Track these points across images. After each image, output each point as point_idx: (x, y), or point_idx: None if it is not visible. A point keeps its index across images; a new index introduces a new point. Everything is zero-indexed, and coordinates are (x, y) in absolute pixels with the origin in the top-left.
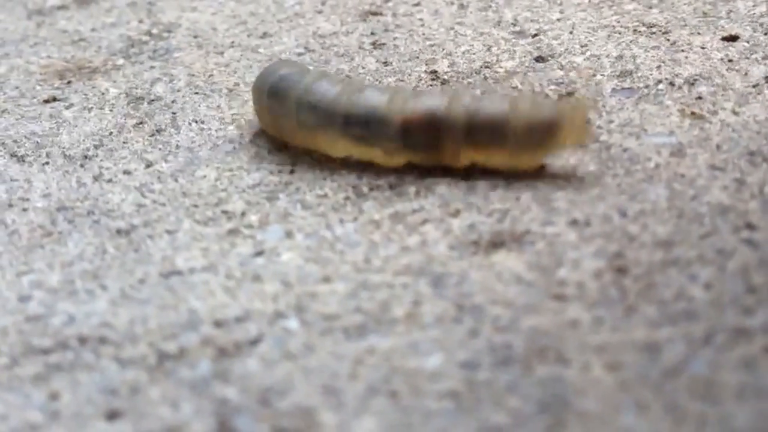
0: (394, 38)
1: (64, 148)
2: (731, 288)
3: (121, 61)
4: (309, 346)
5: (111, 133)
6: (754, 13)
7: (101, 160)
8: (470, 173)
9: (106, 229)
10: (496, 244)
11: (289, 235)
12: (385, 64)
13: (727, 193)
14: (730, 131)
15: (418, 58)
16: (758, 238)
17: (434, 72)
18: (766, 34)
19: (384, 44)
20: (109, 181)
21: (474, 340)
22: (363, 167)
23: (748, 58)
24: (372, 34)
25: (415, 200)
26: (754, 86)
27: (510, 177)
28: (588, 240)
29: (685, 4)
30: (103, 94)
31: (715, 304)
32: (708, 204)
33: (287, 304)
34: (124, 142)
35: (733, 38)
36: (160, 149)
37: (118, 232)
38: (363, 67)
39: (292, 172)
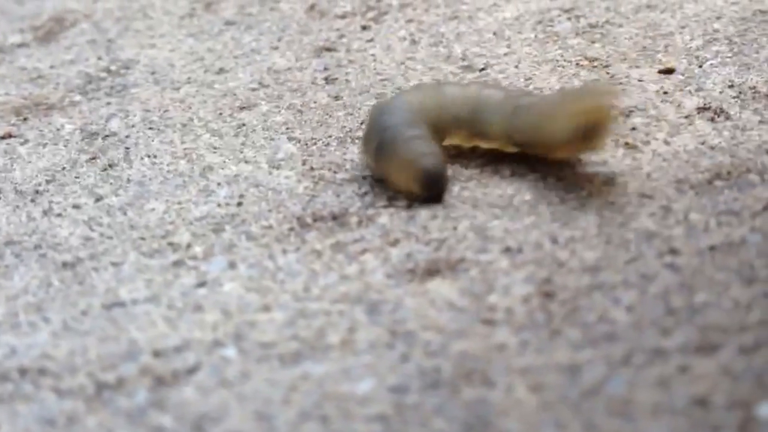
0: (347, 73)
1: (16, 183)
2: (652, 310)
3: (78, 98)
4: (245, 373)
5: (64, 168)
6: (690, 47)
7: (52, 195)
8: (411, 205)
9: (52, 262)
10: (432, 271)
11: (232, 265)
12: (336, 98)
13: (653, 220)
14: (660, 160)
15: (368, 92)
16: (680, 263)
17: None
18: (700, 66)
19: (336, 79)
20: (59, 215)
21: (405, 365)
22: (309, 198)
23: (682, 90)
24: (325, 69)
25: (357, 230)
26: (686, 117)
27: (449, 207)
28: (519, 266)
29: (626, 38)
30: (58, 130)
31: (635, 326)
32: (635, 230)
33: (226, 333)
34: (76, 177)
35: (669, 71)
36: (111, 183)
37: (64, 265)
38: (314, 102)
39: (239, 204)
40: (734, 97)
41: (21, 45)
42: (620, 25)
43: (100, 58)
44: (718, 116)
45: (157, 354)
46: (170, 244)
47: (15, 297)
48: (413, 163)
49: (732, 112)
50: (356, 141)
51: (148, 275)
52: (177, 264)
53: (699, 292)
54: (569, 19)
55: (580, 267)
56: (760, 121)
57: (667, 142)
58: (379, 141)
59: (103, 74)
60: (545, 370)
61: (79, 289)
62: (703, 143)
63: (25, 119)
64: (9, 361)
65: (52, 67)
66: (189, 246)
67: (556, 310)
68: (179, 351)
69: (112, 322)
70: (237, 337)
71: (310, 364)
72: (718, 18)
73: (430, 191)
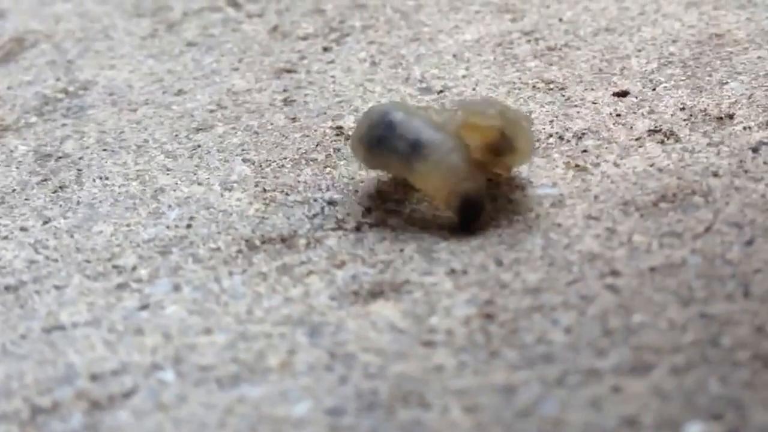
0: (305, 95)
1: None
2: (589, 331)
3: (33, 119)
4: (182, 397)
5: (14, 191)
6: (645, 70)
7: (0, 218)
8: (360, 227)
9: None
10: (376, 293)
11: (176, 288)
12: (293, 120)
13: (598, 242)
14: (609, 182)
15: (325, 114)
16: (620, 284)
17: (339, 128)
18: (654, 89)
19: (294, 101)
20: (5, 238)
21: (343, 387)
22: (259, 221)
23: (635, 112)
24: (284, 90)
25: (304, 252)
26: (637, 139)
27: (398, 229)
28: (463, 288)
29: (582, 61)
30: (11, 151)
31: (572, 347)
32: (579, 252)
33: (165, 356)
34: (25, 199)
35: (623, 93)
36: (60, 206)
37: (7, 288)
38: (271, 123)
39: (188, 226)
40: (685, 120)
41: None
42: (578, 48)
43: (58, 79)
44: (668, 138)
45: (94, 378)
46: (115, 266)
47: None
48: (454, 185)
49: (682, 135)
50: (311, 162)
51: (91, 298)
52: (121, 287)
53: (636, 312)
54: (528, 41)
55: (522, 289)
56: (709, 144)
57: (616, 164)
58: (413, 141)
59: (61, 95)
60: (481, 391)
61: (20, 312)
62: (651, 165)
63: None
64: None
65: (9, 88)
66: (134, 268)
67: (495, 331)
68: (116, 374)
69: (50, 345)
70: (176, 361)
71: (247, 387)
72: (674, 41)
73: (466, 218)
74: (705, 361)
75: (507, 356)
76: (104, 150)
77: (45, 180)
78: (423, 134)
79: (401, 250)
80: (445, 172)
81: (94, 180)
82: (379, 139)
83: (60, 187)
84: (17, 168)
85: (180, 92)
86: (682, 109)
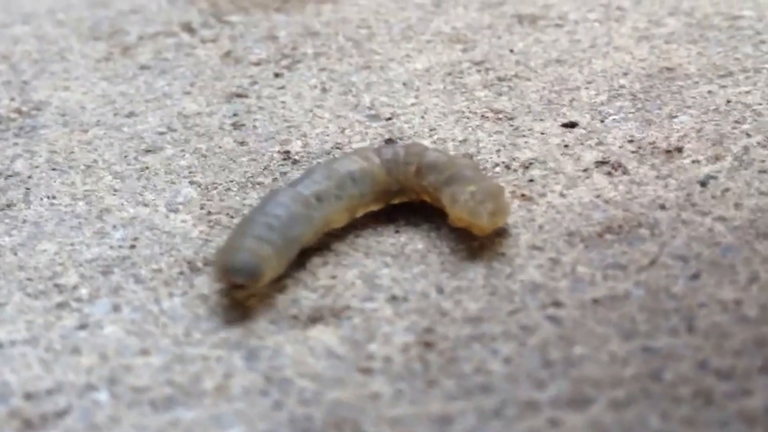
0: (255, 119)
1: None
2: (528, 363)
3: None
4: (115, 418)
5: None
6: (594, 102)
7: None
8: (305, 251)
9: None
10: (315, 318)
11: (116, 308)
12: (242, 144)
13: (541, 272)
14: (554, 213)
15: (273, 138)
16: (562, 315)
17: (287, 152)
18: (602, 121)
19: (244, 125)
20: None
21: (277, 413)
22: (203, 243)
23: (582, 143)
24: (234, 115)
25: None
26: (584, 170)
27: (341, 254)
28: (403, 315)
29: (532, 92)
30: None
31: (510, 378)
32: (521, 282)
33: (100, 376)
34: None
35: (572, 125)
36: (6, 223)
37: None
38: (220, 147)
39: (132, 247)
40: (633, 152)
41: None
42: (528, 79)
43: (12, 99)
44: (616, 170)
45: (28, 396)
46: (56, 285)
47: None
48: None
49: (630, 167)
50: (257, 186)
51: (30, 316)
52: (61, 306)
53: (577, 344)
54: (479, 71)
55: (463, 317)
56: (656, 177)
57: (562, 195)
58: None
59: (14, 115)
60: (417, 421)
61: None
62: (598, 197)
63: None
64: None
65: None
66: (75, 288)
67: (434, 360)
68: (51, 394)
69: None
70: (111, 381)
71: (181, 410)
72: (625, 74)
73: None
74: (646, 395)
75: (444, 386)
76: (53, 169)
77: None
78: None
79: (343, 275)
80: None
81: (41, 199)
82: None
83: (7, 205)
84: None
85: (131, 114)
86: (631, 141)
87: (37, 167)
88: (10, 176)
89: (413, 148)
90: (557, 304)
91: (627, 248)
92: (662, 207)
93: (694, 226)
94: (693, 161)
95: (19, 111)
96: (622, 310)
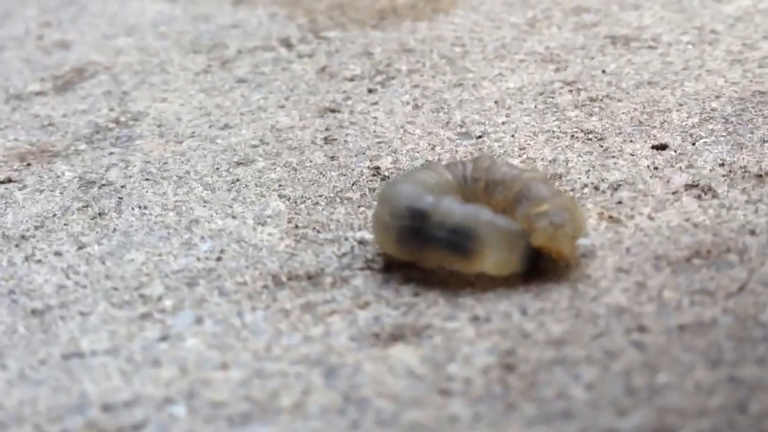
0: (346, 134)
1: (5, 228)
2: (611, 389)
3: (83, 146)
4: None
5: (54, 215)
6: (686, 124)
7: (37, 241)
8: (389, 267)
9: (22, 308)
10: (396, 337)
11: (199, 320)
12: (332, 158)
13: (626, 296)
14: (642, 235)
15: (364, 154)
16: (647, 341)
17: (377, 168)
18: (693, 144)
19: (335, 140)
20: (39, 261)
21: None
22: (288, 257)
23: (672, 166)
24: (326, 129)
25: (329, 291)
26: (673, 193)
27: (426, 271)
28: (484, 336)
29: (623, 113)
30: (58, 177)
31: (592, 405)
32: (606, 305)
33: (179, 390)
34: (64, 224)
35: (662, 147)
36: (97, 232)
37: (33, 312)
38: (310, 161)
39: (218, 259)
40: (724, 176)
41: (39, 93)
42: (620, 100)
43: (111, 109)
44: (706, 194)
45: (105, 408)
46: (141, 296)
47: None
48: (517, 248)
49: (720, 191)
50: (345, 201)
51: (113, 326)
52: (144, 316)
53: (662, 372)
54: (570, 91)
55: (545, 340)
56: (747, 201)
57: (651, 218)
58: (457, 229)
59: (112, 125)
60: None
61: (42, 337)
62: (687, 220)
63: (28, 165)
64: None
65: (64, 115)
66: (160, 298)
67: (514, 383)
68: (128, 406)
69: (67, 372)
70: (189, 395)
71: (258, 426)
72: (717, 97)
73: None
74: (731, 427)
75: (524, 410)
76: (146, 180)
77: (86, 206)
78: (463, 217)
79: (426, 293)
80: (508, 243)
81: (132, 209)
82: (411, 232)
83: (99, 214)
84: (61, 193)
85: (226, 126)
86: (722, 164)
87: (130, 177)
88: (104, 185)
89: (480, 163)
90: (642, 329)
91: (715, 273)
92: (752, 232)
93: None
94: None
95: (117, 121)
96: (709, 338)
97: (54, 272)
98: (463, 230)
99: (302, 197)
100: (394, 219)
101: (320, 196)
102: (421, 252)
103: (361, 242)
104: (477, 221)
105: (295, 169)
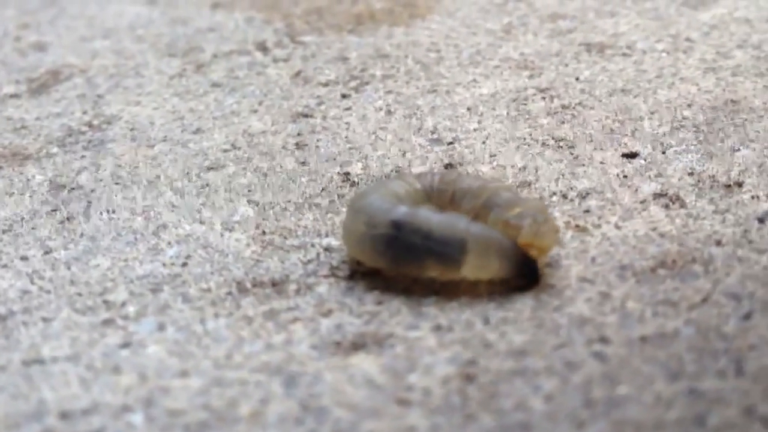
0: (318, 140)
1: None
2: (570, 401)
3: (55, 150)
4: None
5: (23, 219)
6: (657, 132)
7: (4, 245)
8: (353, 275)
9: None
10: (358, 345)
11: (161, 327)
12: (303, 164)
13: (589, 306)
14: (608, 245)
15: (334, 159)
16: (608, 352)
17: (347, 174)
18: (664, 152)
19: (306, 145)
20: (4, 266)
21: None
22: (253, 263)
23: (642, 174)
24: (298, 134)
25: (293, 298)
26: (641, 202)
27: (389, 281)
28: (446, 345)
29: (595, 120)
30: (28, 180)
31: (550, 417)
32: (569, 315)
33: (137, 397)
34: (32, 228)
35: (632, 155)
36: (64, 237)
37: None
38: (281, 166)
39: (184, 264)
40: (692, 185)
41: (13, 96)
42: (592, 108)
43: (85, 113)
44: (674, 203)
45: (63, 416)
46: (105, 301)
47: None
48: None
49: (688, 200)
50: (314, 207)
51: (75, 333)
52: (106, 323)
53: (622, 384)
54: (543, 98)
55: (507, 350)
56: (714, 211)
57: (618, 227)
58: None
59: (85, 128)
60: None
61: (3, 343)
62: (653, 230)
63: None
64: None
65: (37, 118)
66: (123, 305)
67: (474, 393)
68: (86, 414)
69: (27, 379)
70: (147, 403)
71: None
72: (689, 105)
73: (531, 273)
74: None
75: (483, 421)
76: (116, 184)
77: (54, 210)
78: (443, 225)
79: (390, 302)
80: (493, 249)
81: (101, 213)
82: (389, 240)
83: (67, 218)
84: (30, 197)
85: (198, 131)
86: (691, 174)
87: (101, 181)
88: (74, 189)
89: (447, 176)
90: (604, 340)
91: (679, 284)
92: (718, 243)
93: (749, 263)
94: (752, 196)
95: (90, 124)
96: (670, 349)
97: (19, 277)
98: (444, 238)
99: (271, 203)
100: (369, 228)
101: (289, 201)
102: (400, 261)
103: (327, 249)
104: (458, 228)
105: (266, 175)
